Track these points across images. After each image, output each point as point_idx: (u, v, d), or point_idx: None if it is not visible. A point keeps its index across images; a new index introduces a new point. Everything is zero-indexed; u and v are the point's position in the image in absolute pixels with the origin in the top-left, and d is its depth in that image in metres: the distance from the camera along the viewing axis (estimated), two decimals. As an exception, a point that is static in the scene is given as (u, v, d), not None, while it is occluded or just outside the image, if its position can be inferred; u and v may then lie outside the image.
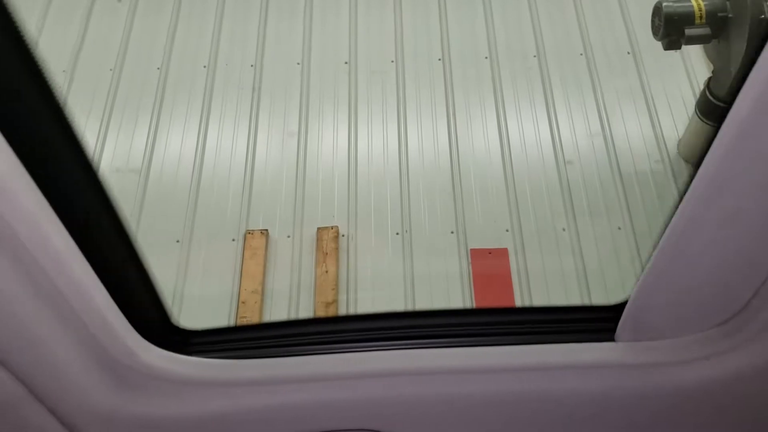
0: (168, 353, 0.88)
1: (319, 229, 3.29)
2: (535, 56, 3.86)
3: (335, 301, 3.09)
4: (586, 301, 3.07)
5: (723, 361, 0.84)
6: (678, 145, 3.48)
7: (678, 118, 3.59)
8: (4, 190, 0.60)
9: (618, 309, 0.90)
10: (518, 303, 3.11)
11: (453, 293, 3.14)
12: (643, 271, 0.82)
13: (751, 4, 2.62)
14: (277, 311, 3.11)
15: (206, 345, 0.97)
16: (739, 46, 2.70)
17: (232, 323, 3.05)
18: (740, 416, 0.90)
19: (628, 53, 3.85)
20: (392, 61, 3.86)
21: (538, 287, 3.15)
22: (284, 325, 1.01)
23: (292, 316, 3.10)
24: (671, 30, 2.85)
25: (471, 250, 3.25)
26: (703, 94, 3.15)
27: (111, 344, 0.79)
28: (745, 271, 0.76)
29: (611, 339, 0.91)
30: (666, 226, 0.75)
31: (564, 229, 3.29)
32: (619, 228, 3.28)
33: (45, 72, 0.60)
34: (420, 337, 0.96)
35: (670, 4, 2.84)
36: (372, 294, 3.16)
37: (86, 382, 0.79)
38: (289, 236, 3.31)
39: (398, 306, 3.13)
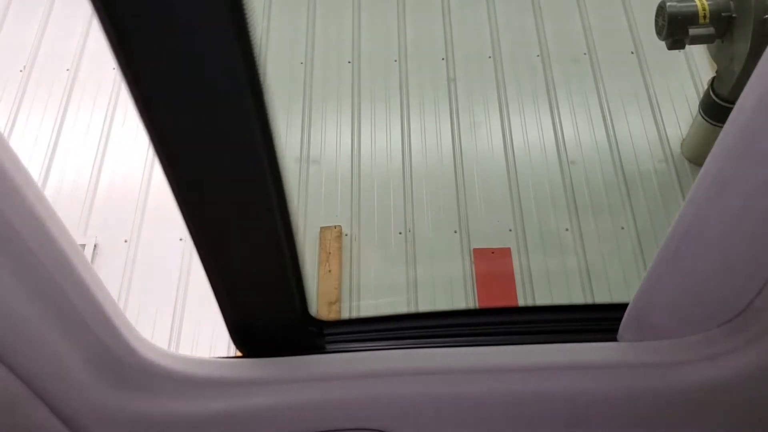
0: (171, 353, 0.88)
1: (322, 228, 3.29)
2: (538, 56, 3.85)
3: (338, 301, 3.09)
4: (589, 301, 3.07)
5: (726, 361, 0.83)
6: (681, 145, 3.47)
7: (682, 117, 3.59)
8: (6, 189, 0.60)
9: (621, 309, 0.90)
10: (521, 302, 3.11)
11: (456, 293, 3.14)
12: (646, 270, 0.82)
13: (754, 4, 2.61)
14: (280, 310, 3.11)
15: (341, 335, 0.97)
16: (742, 46, 2.70)
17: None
18: (743, 416, 0.90)
19: (632, 53, 3.84)
20: (395, 61, 3.86)
21: (541, 287, 3.15)
22: (425, 317, 1.00)
23: (295, 315, 3.10)
24: (675, 30, 2.84)
25: (474, 249, 3.25)
26: (706, 93, 3.15)
27: (112, 343, 0.79)
28: (748, 272, 0.76)
29: (614, 339, 0.91)
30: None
31: (567, 229, 3.29)
32: (623, 228, 3.27)
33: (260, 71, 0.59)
34: (422, 337, 0.97)
35: (674, 3, 2.84)
36: (375, 293, 3.16)
37: (88, 381, 0.79)
38: (292, 235, 3.30)
39: (400, 305, 3.13)
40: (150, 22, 0.51)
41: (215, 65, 0.55)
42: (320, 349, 0.94)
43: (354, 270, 3.22)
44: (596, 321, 0.96)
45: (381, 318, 0.99)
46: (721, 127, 0.65)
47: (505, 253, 3.24)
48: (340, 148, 3.57)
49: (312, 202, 3.40)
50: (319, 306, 3.09)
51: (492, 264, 3.21)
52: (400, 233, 3.30)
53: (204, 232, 0.74)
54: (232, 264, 0.79)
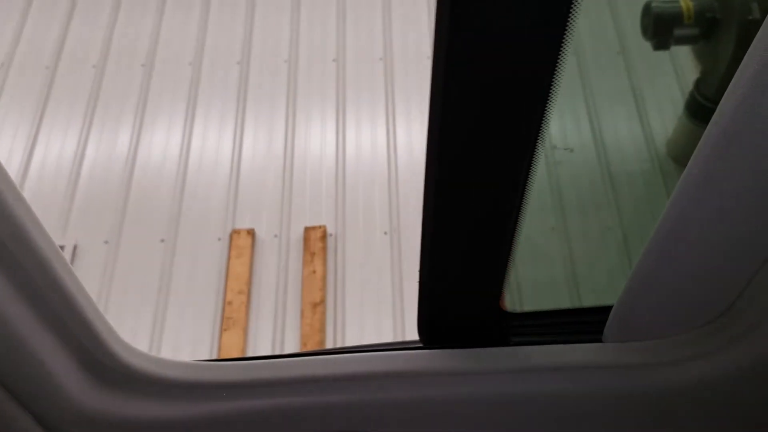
0: (152, 357, 0.87)
1: (306, 228, 3.27)
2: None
3: (323, 302, 3.08)
4: (574, 300, 3.08)
5: (709, 360, 0.84)
6: (667, 145, 3.49)
7: (667, 118, 3.61)
8: None
9: (606, 310, 0.90)
10: (506, 301, 3.11)
11: (441, 293, 3.14)
12: (630, 271, 0.83)
13: (739, 5, 2.63)
14: (264, 312, 3.10)
15: (529, 328, 0.95)
16: (727, 47, 2.72)
17: (218, 325, 3.03)
18: (726, 416, 0.91)
19: (618, 53, 3.86)
20: (380, 59, 3.85)
21: (526, 287, 3.15)
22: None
23: (279, 317, 3.08)
24: (660, 30, 2.86)
25: (459, 249, 3.25)
26: (691, 94, 3.17)
27: (93, 346, 0.78)
28: (730, 272, 0.76)
29: (599, 339, 0.92)
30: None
31: (552, 229, 3.29)
32: (608, 228, 3.29)
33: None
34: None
35: (659, 4, 2.85)
36: (360, 294, 3.15)
37: (67, 384, 0.78)
38: (276, 236, 3.29)
39: (386, 306, 3.12)
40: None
41: (528, 61, 0.59)
42: (502, 342, 0.93)
43: (339, 271, 3.20)
44: (581, 324, 0.96)
45: (565, 311, 0.98)
46: (706, 127, 0.66)
47: (491, 253, 3.24)
48: (325, 146, 3.56)
49: (296, 202, 3.38)
50: (303, 307, 3.07)
51: (477, 264, 3.21)
52: (386, 233, 3.30)
53: (442, 214, 0.75)
54: (453, 250, 0.80)
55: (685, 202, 0.69)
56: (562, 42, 0.60)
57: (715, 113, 0.63)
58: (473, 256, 0.82)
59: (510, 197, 0.73)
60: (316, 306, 3.07)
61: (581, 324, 0.97)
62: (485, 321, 0.91)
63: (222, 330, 3.00)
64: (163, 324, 3.03)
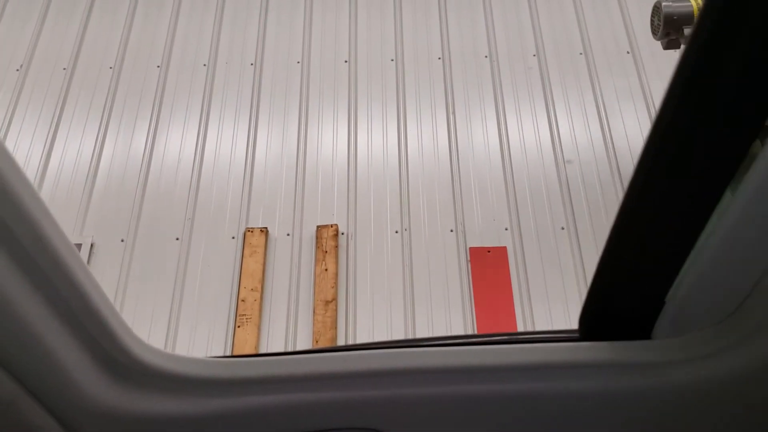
0: (167, 353, 0.88)
1: (318, 227, 3.29)
2: (534, 55, 3.86)
3: (335, 299, 3.10)
4: (584, 299, 3.08)
5: (718, 360, 0.84)
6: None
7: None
8: (3, 191, 0.60)
9: None
10: (516, 300, 3.12)
11: (452, 291, 3.15)
12: None
13: (750, 4, 2.62)
14: (277, 309, 3.12)
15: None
16: (738, 46, 2.70)
17: (232, 322, 3.06)
18: (734, 416, 0.90)
19: (628, 53, 3.85)
20: (392, 60, 3.86)
21: (536, 285, 3.16)
22: None
23: (292, 315, 3.11)
24: (670, 29, 2.85)
25: (470, 248, 3.26)
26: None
27: (108, 343, 0.79)
28: (739, 272, 0.76)
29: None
30: None
31: (563, 228, 3.30)
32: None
33: None
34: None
35: (670, 3, 2.85)
36: (371, 292, 3.17)
37: (83, 381, 0.79)
38: (288, 234, 3.31)
39: (397, 304, 3.13)
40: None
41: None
42: (645, 336, 0.92)
43: (350, 268, 3.22)
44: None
45: None
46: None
47: (501, 252, 3.25)
48: (337, 146, 3.58)
49: (308, 201, 3.40)
50: (315, 304, 3.09)
51: (488, 263, 3.22)
52: (397, 232, 3.31)
53: (640, 213, 0.76)
54: (640, 245, 0.81)
55: None
56: None
57: None
58: (656, 252, 0.82)
59: (707, 203, 0.74)
60: (328, 303, 3.09)
61: None
62: (650, 314, 0.90)
63: (236, 327, 3.03)
64: (178, 321, 3.06)
